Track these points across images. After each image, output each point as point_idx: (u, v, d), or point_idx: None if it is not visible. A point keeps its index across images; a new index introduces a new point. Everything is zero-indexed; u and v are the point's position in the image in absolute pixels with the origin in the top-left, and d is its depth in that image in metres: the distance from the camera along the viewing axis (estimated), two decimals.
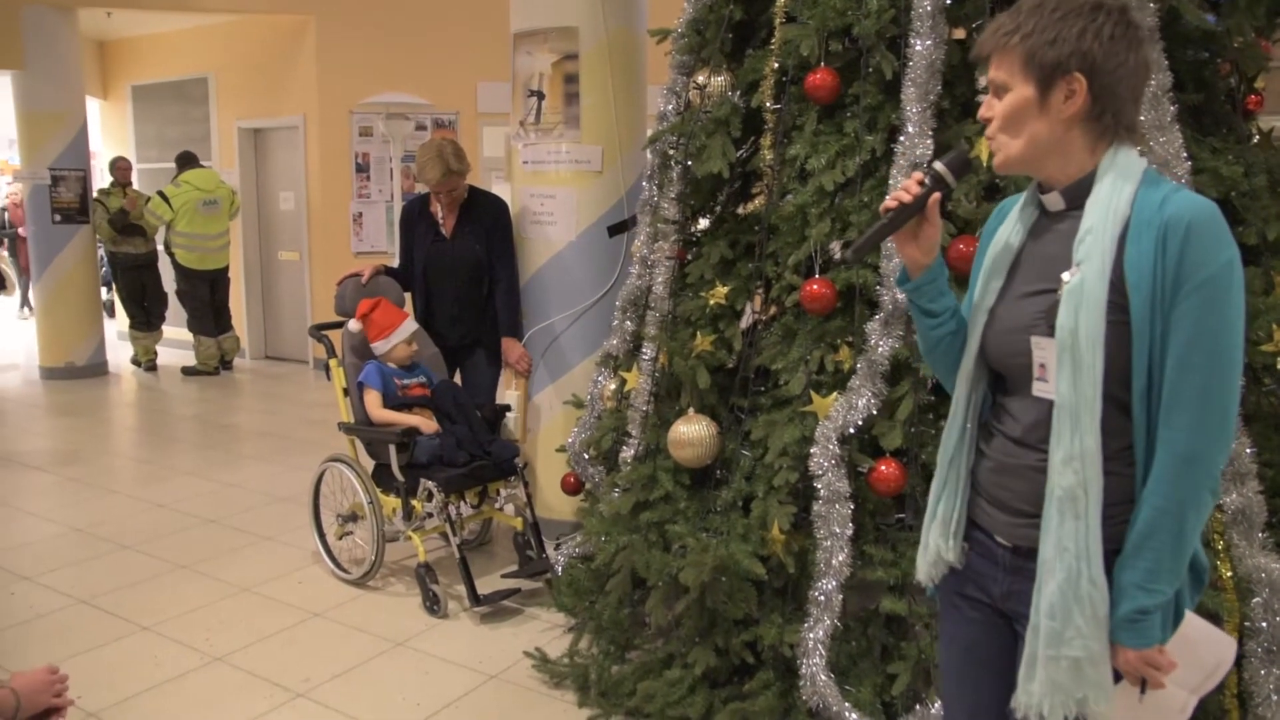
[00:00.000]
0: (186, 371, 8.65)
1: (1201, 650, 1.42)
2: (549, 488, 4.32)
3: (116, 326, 10.19)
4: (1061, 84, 1.43)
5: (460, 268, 4.29)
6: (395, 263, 4.54)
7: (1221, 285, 1.35)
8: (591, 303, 4.17)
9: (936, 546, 1.65)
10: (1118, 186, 1.42)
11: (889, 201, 1.58)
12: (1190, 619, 1.43)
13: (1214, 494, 1.39)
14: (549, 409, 4.29)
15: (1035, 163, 1.50)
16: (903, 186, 1.58)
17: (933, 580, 1.71)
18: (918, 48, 2.61)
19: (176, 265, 8.43)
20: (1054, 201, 1.52)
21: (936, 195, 1.58)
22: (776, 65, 2.83)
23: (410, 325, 4.02)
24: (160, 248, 8.64)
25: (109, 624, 3.62)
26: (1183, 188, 1.44)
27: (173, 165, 8.68)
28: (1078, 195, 1.48)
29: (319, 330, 4.26)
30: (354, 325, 4.08)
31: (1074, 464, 1.41)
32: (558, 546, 3.69)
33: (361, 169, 8.55)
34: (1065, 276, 1.43)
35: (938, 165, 1.59)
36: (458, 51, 8.21)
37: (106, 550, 4.38)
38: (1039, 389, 1.50)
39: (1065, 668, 1.41)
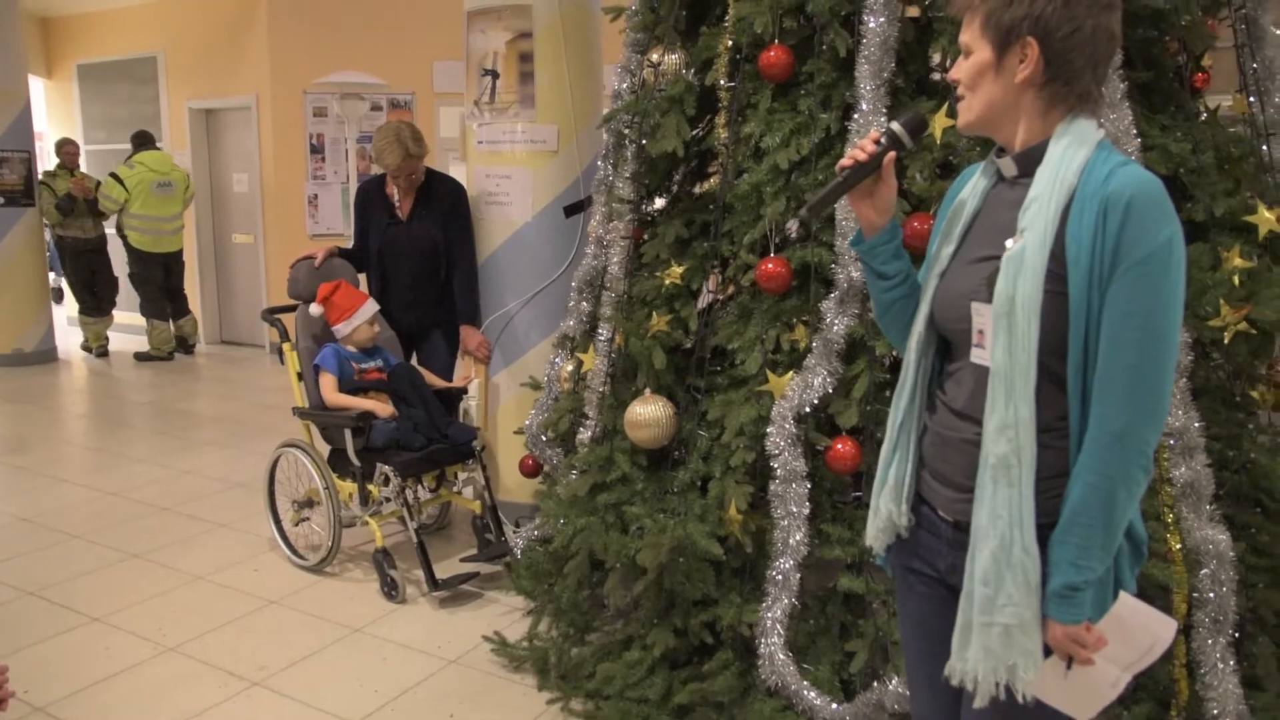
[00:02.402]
0: (140, 357, 8.49)
1: (1135, 630, 1.43)
2: (508, 470, 4.29)
3: (66, 312, 9.98)
4: (1016, 47, 1.42)
5: (416, 252, 4.23)
6: (351, 244, 4.47)
7: (1158, 263, 1.34)
8: (546, 284, 4.13)
9: (888, 511, 1.66)
10: (1068, 156, 1.41)
11: (845, 160, 1.58)
12: (1125, 600, 1.43)
13: (1145, 471, 1.38)
14: (506, 391, 4.26)
15: (992, 126, 1.51)
16: (859, 145, 1.59)
17: (883, 547, 1.72)
18: (871, 25, 2.59)
19: (129, 248, 8.26)
20: (1008, 167, 1.52)
21: (892, 155, 1.58)
22: (730, 43, 2.80)
23: (371, 306, 3.96)
24: (112, 231, 8.46)
25: (58, 615, 3.55)
26: (1131, 162, 1.41)
27: (121, 146, 8.49)
28: (1030, 162, 1.47)
29: (272, 314, 4.19)
30: (315, 309, 4.01)
31: (1008, 432, 1.40)
32: (517, 529, 3.67)
33: (316, 150, 8.42)
34: (1008, 244, 1.43)
35: (894, 125, 1.59)
36: (413, 30, 8.09)
37: (55, 540, 4.29)
38: (976, 355, 1.51)
39: (997, 634, 1.42)
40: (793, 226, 2.75)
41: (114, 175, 8.07)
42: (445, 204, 4.22)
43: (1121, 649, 1.42)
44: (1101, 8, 1.41)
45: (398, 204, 4.27)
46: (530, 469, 3.72)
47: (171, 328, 8.58)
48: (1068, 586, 1.39)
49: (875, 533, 1.70)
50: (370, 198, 4.35)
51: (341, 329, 3.93)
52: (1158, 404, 1.37)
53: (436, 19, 7.77)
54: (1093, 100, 1.47)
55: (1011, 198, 1.49)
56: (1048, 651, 1.43)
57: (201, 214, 9.12)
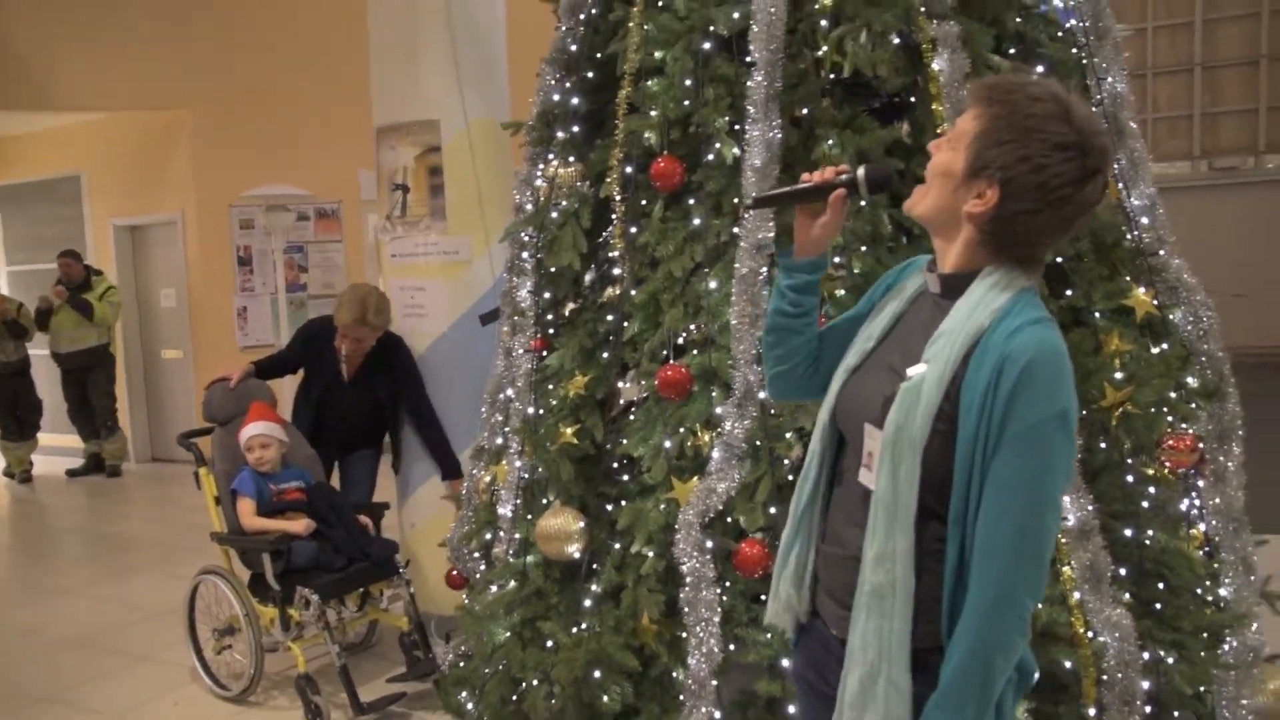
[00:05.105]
0: (113, 473, 8.32)
1: None
2: (438, 583, 4.22)
3: None
4: (982, 180, 1.39)
5: (356, 412, 4.23)
6: (275, 353, 4.44)
7: (1046, 435, 1.32)
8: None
9: (787, 595, 1.65)
10: (988, 298, 1.39)
11: (806, 175, 1.59)
12: None
13: (1023, 635, 1.37)
14: (430, 504, 4.21)
15: (931, 228, 1.49)
16: (824, 168, 1.59)
17: (787, 626, 1.70)
18: (754, 133, 2.69)
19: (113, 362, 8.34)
20: (933, 283, 1.50)
21: (840, 192, 1.55)
22: (622, 155, 2.88)
23: (254, 429, 3.84)
24: (37, 353, 8.34)
25: None
26: (1044, 321, 1.38)
27: (43, 266, 8.41)
28: (953, 289, 1.45)
29: (188, 438, 4.13)
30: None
31: (885, 563, 1.40)
32: (448, 643, 3.59)
33: (244, 262, 8.39)
34: (910, 372, 1.42)
35: (861, 170, 1.56)
36: (337, 140, 8.17)
37: None
38: (864, 476, 1.50)
39: None
40: (693, 329, 2.79)
41: (107, 301, 8.07)
42: (392, 364, 4.16)
43: None
44: (1070, 204, 1.38)
45: (343, 361, 4.22)
46: (457, 582, 3.66)
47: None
48: None
49: (776, 612, 1.69)
50: (318, 340, 4.25)
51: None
52: (1038, 570, 1.36)
53: (361, 128, 7.78)
54: (1024, 264, 1.43)
55: (928, 318, 1.48)
56: None
57: (129, 330, 9.00)
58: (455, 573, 3.64)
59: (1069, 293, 2.72)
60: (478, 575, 3.44)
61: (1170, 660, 2.53)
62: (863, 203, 1.56)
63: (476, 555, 3.37)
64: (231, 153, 8.16)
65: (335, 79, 7.68)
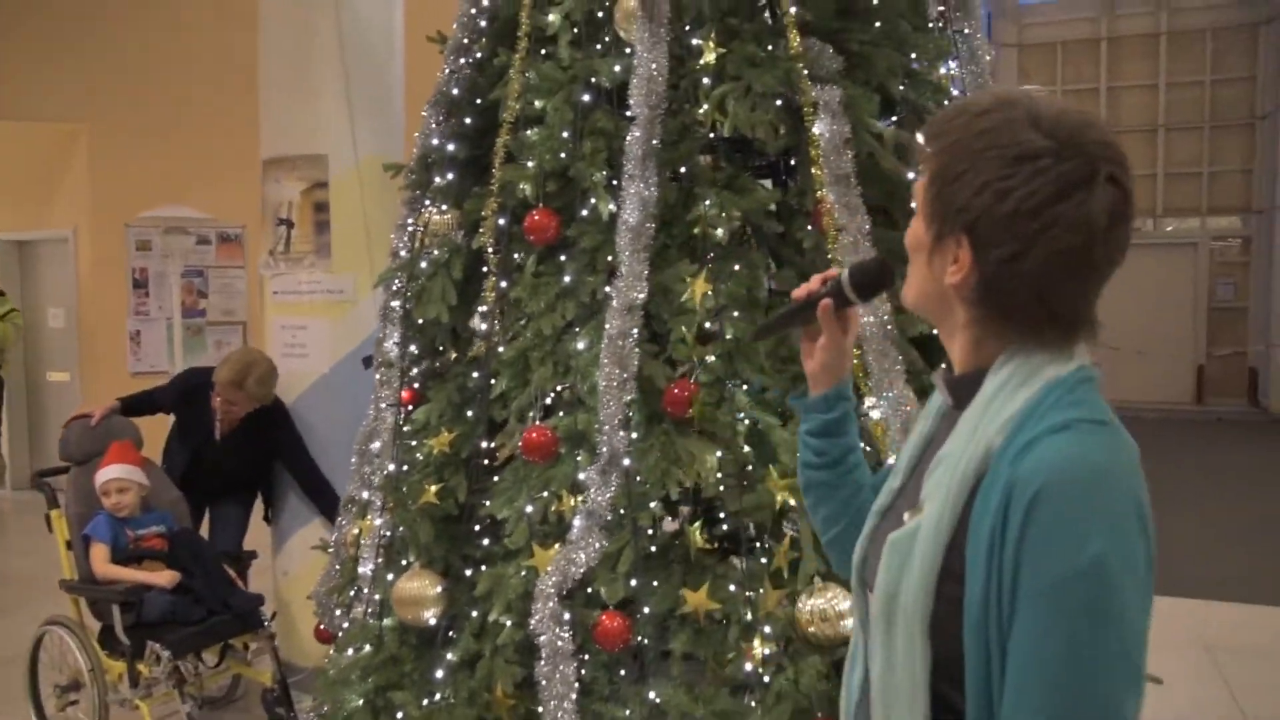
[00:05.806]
0: None
1: None
2: (310, 634, 4.03)
3: None
4: (950, 240, 1.03)
5: (227, 471, 4.06)
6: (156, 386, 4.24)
7: (1078, 596, 0.90)
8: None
9: None
10: (1000, 401, 1.01)
11: (796, 291, 1.32)
12: None
13: None
14: (303, 554, 4.03)
15: (933, 322, 1.14)
16: (811, 280, 1.31)
17: None
18: (630, 190, 2.62)
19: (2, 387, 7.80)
20: (943, 391, 1.14)
21: (826, 303, 1.27)
22: (497, 205, 2.79)
23: (110, 473, 3.66)
24: None
25: None
26: (1075, 426, 0.97)
27: None
28: (964, 395, 1.07)
29: (42, 477, 3.90)
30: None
31: None
32: (316, 699, 3.42)
33: (139, 285, 8.08)
34: (905, 517, 1.07)
35: (845, 270, 1.27)
36: (242, 163, 7.89)
37: None
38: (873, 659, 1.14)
39: None
40: (562, 389, 2.70)
41: (10, 323, 7.63)
42: (273, 433, 4.00)
43: None
44: (1064, 228, 0.98)
45: (218, 420, 4.02)
46: (324, 636, 3.49)
47: None
48: None
49: None
50: (199, 393, 4.05)
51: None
52: None
53: None
54: (1044, 338, 1.03)
55: (943, 439, 1.12)
56: None
57: (11, 350, 8.61)
58: (322, 626, 3.48)
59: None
60: (340, 633, 3.28)
61: None
62: (859, 305, 1.28)
63: (339, 613, 3.21)
64: (130, 170, 7.87)
65: (240, 100, 7.43)
